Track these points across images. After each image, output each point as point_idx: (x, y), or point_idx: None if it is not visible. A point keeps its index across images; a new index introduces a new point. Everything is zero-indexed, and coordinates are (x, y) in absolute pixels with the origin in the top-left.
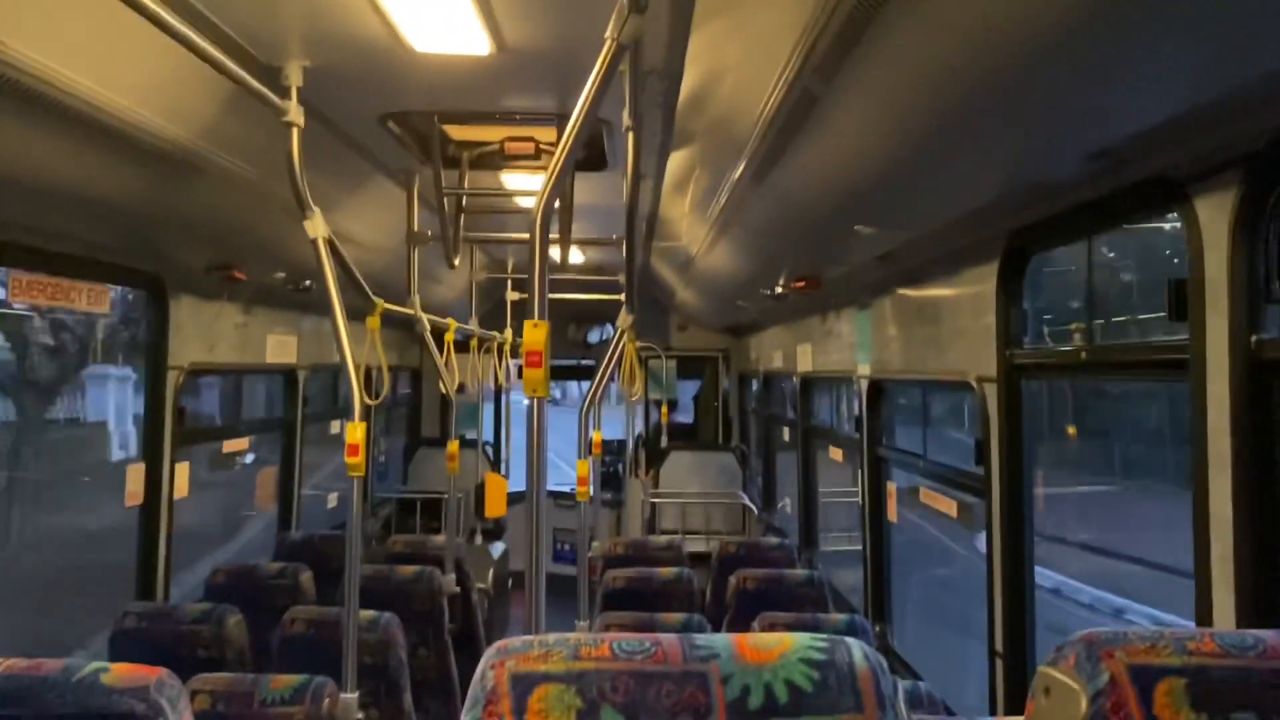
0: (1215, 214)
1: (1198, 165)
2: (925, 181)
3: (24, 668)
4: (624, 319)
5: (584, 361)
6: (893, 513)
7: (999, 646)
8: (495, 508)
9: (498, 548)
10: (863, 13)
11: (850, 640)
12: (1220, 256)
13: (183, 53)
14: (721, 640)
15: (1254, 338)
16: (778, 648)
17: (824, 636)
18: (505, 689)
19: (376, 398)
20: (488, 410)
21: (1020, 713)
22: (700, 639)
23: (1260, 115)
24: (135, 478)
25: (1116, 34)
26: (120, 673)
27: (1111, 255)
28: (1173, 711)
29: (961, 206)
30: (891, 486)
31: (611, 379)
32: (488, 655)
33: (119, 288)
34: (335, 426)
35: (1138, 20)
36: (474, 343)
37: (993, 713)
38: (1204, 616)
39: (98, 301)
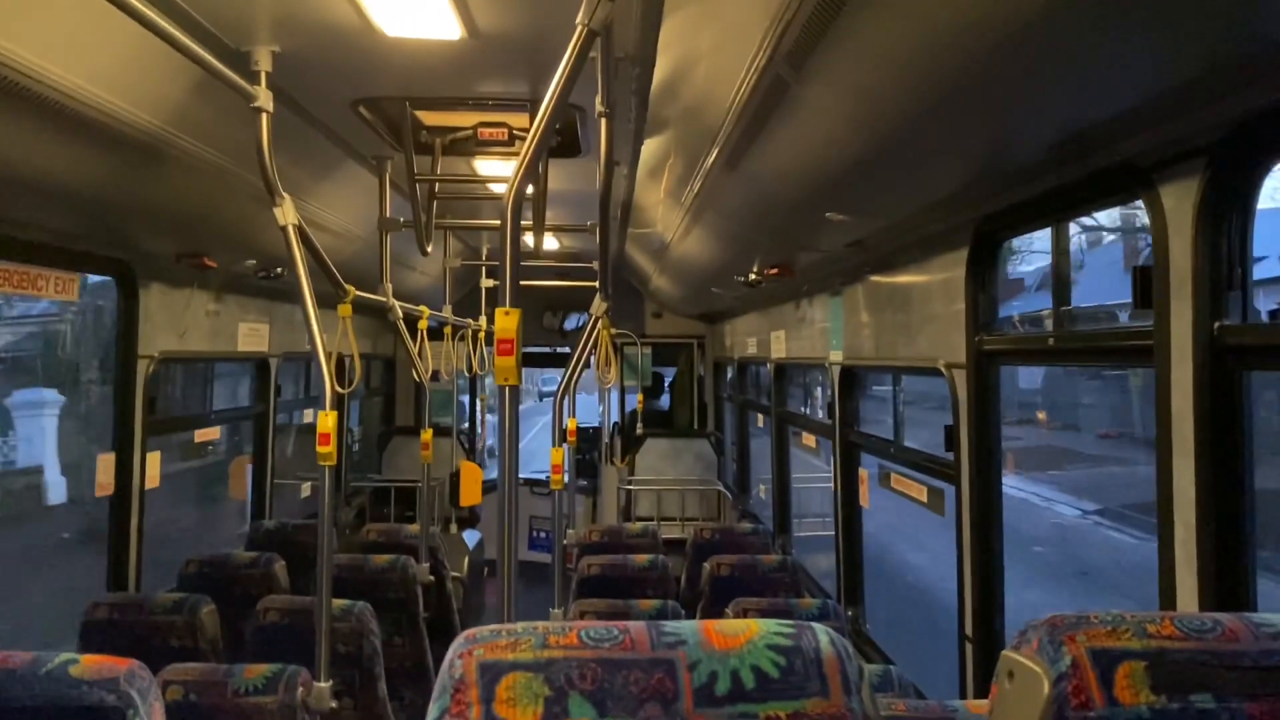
0: (1180, 201)
1: (1163, 152)
2: (895, 169)
3: None
4: (598, 305)
5: (559, 349)
6: (865, 498)
7: (969, 631)
8: (470, 496)
9: (472, 536)
10: (832, 1)
11: (816, 625)
12: (1185, 243)
13: (150, 38)
14: (689, 627)
15: (1217, 324)
16: (744, 634)
17: (790, 623)
18: (473, 678)
19: (348, 386)
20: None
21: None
22: (668, 626)
23: (1224, 103)
24: (105, 468)
25: (1081, 23)
26: (90, 664)
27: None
28: (1133, 694)
29: (931, 193)
30: (864, 472)
31: (586, 366)
32: (455, 644)
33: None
34: (309, 415)
35: (1102, 9)
36: (448, 330)
37: (963, 697)
38: (1167, 599)
39: (66, 290)
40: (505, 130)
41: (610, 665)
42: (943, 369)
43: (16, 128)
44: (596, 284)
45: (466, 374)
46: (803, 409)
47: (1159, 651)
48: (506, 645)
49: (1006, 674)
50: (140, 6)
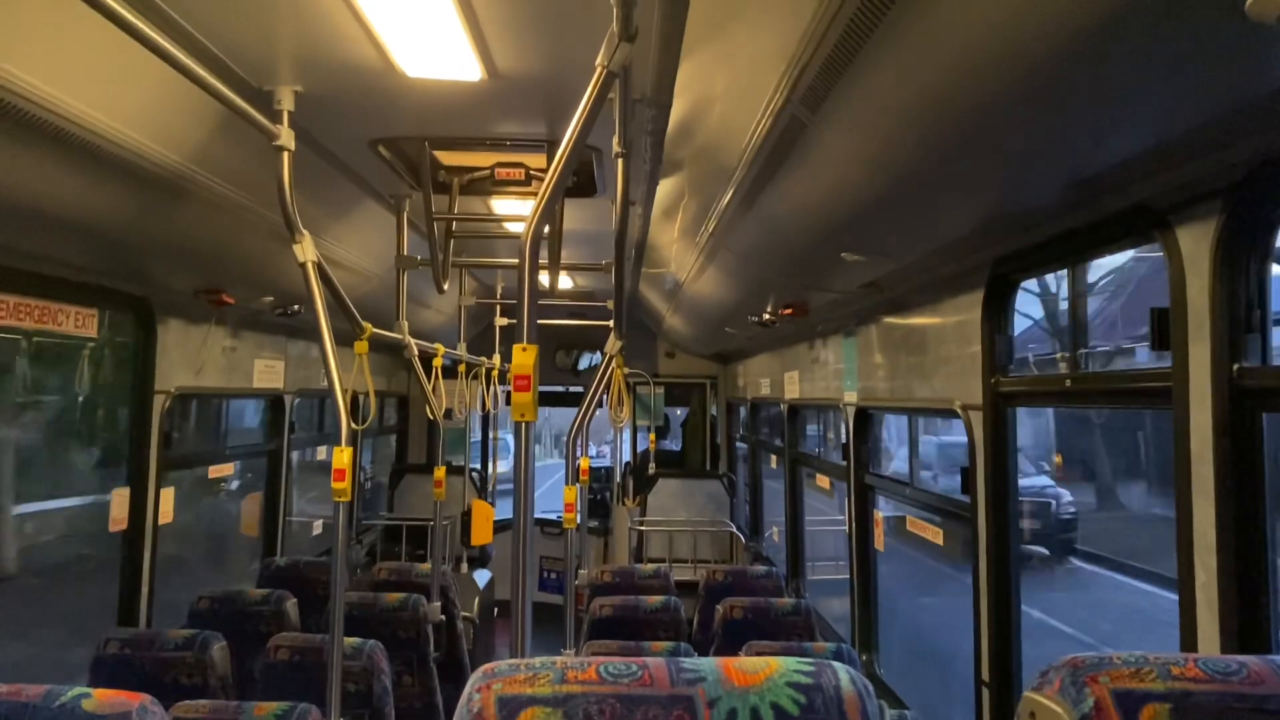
0: (1197, 243)
1: (1179, 195)
2: (909, 210)
3: (5, 693)
4: (612, 344)
5: (572, 388)
6: (880, 541)
7: (986, 676)
8: (481, 535)
9: (484, 576)
10: (849, 44)
11: (836, 664)
12: (1202, 285)
13: (175, 76)
14: (708, 664)
15: (1235, 365)
16: (764, 671)
17: (811, 660)
18: (492, 712)
19: (363, 423)
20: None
21: None
22: (687, 663)
23: (1240, 145)
24: (120, 503)
25: (1095, 68)
26: (102, 699)
27: None
28: None
29: (945, 235)
30: (879, 515)
31: (600, 405)
32: (474, 678)
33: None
34: (322, 453)
35: (1117, 54)
36: (462, 368)
37: None
38: (1189, 641)
39: (85, 325)
40: (522, 170)
41: (629, 701)
42: (959, 410)
43: (42, 163)
44: (610, 323)
45: (480, 412)
46: (816, 450)
47: (1184, 694)
48: (525, 680)
49: (1028, 715)
50: (168, 46)
